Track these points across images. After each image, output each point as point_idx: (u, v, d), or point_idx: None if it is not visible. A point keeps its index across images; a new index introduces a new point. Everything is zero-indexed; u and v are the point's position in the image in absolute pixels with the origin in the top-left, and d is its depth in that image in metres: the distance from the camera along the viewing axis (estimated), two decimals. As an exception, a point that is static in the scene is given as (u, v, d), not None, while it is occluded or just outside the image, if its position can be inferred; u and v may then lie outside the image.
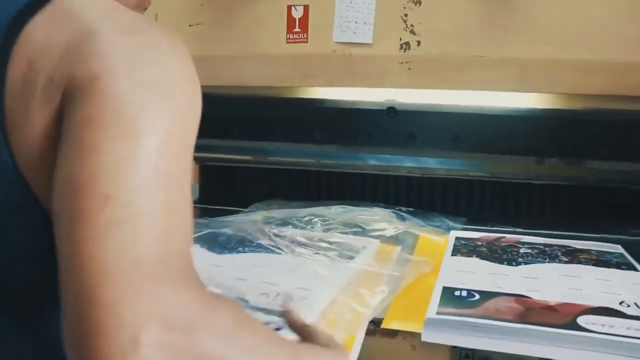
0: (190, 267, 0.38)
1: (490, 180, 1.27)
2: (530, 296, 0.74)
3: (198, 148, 1.33)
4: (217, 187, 1.49)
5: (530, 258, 0.92)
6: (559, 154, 1.17)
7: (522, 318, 0.67)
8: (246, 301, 0.73)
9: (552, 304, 0.72)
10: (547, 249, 0.97)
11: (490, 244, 1.01)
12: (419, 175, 1.31)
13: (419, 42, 1.12)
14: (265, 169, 1.42)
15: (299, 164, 1.36)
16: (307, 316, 0.63)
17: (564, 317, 0.68)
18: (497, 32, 1.08)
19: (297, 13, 1.17)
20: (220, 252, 0.91)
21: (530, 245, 1.00)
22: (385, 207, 1.25)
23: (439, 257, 0.94)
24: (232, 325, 0.36)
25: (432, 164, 1.27)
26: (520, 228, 1.16)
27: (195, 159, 1.44)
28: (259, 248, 0.94)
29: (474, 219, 1.22)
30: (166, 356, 0.31)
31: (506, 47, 1.08)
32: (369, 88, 1.20)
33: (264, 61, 1.22)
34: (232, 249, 0.93)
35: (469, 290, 0.76)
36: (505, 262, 0.89)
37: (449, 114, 1.20)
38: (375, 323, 0.73)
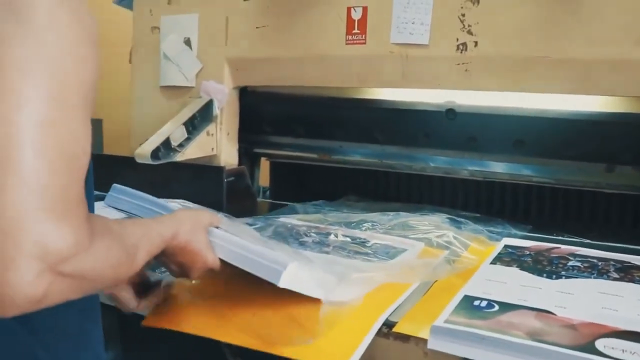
0: (72, 203, 0.43)
1: (555, 187, 1.20)
2: (555, 312, 0.71)
3: (267, 145, 1.40)
4: (286, 184, 1.55)
5: (575, 272, 0.87)
6: (632, 161, 1.09)
7: (535, 335, 0.65)
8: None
9: (574, 322, 0.68)
10: (600, 263, 0.91)
11: (538, 253, 0.96)
12: (481, 179, 1.27)
13: (476, 43, 1.08)
14: (331, 167, 1.45)
15: (362, 163, 1.38)
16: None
17: (582, 337, 0.64)
18: (558, 31, 1.02)
19: (356, 14, 1.19)
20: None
21: (583, 258, 0.94)
22: (445, 211, 1.23)
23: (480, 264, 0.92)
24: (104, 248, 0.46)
25: (495, 167, 1.24)
26: (582, 238, 1.10)
27: (265, 155, 1.53)
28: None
29: (535, 227, 1.17)
30: (42, 281, 0.40)
31: (568, 47, 1.01)
32: (426, 90, 1.19)
33: (324, 62, 1.24)
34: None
35: (489, 301, 0.74)
36: (544, 275, 0.85)
37: (510, 117, 1.15)
38: (389, 326, 0.74)
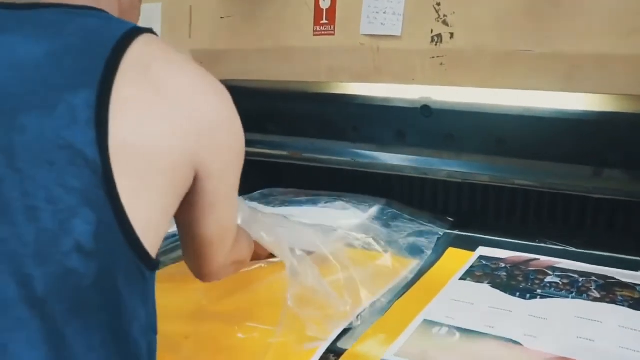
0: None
1: (539, 190, 1.11)
2: (523, 343, 0.63)
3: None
4: (256, 183, 1.46)
5: (552, 290, 0.79)
6: (621, 164, 1.00)
7: (496, 372, 0.57)
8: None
9: (544, 357, 0.60)
10: (581, 279, 0.83)
11: (514, 267, 0.88)
12: (460, 181, 1.19)
13: (452, 35, 0.99)
14: (303, 166, 1.37)
15: (334, 162, 1.30)
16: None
17: (550, 376, 0.56)
18: (542, 23, 0.92)
19: (325, 3, 1.10)
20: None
21: (563, 272, 0.85)
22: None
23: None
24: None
25: (474, 168, 1.15)
26: (566, 246, 1.01)
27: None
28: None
29: (514, 232, 1.08)
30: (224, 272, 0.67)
31: (553, 41, 0.92)
32: (398, 84, 1.10)
33: (291, 55, 1.16)
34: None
35: (450, 327, 0.66)
36: (518, 294, 0.77)
37: (490, 115, 1.06)
38: (337, 354, 0.65)
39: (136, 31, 0.50)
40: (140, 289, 0.48)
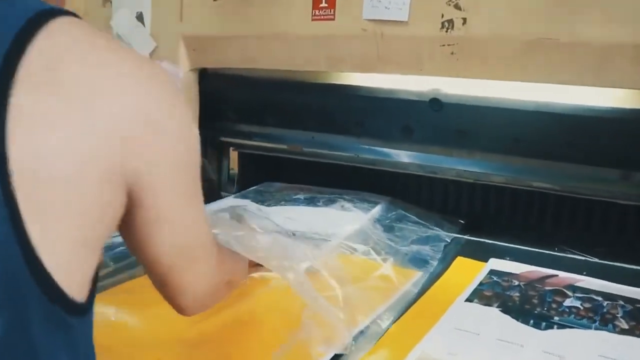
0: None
1: (559, 194, 1.01)
2: (535, 391, 0.53)
3: (233, 134, 1.22)
4: (256, 177, 1.37)
5: (572, 317, 0.69)
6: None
7: None
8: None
9: (560, 410, 0.50)
10: (605, 303, 0.73)
11: (528, 285, 0.78)
12: (471, 181, 1.08)
13: (464, 20, 0.88)
14: (303, 160, 1.27)
15: (336, 157, 1.20)
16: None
17: None
18: (568, 7, 0.81)
19: (324, -16, 0.99)
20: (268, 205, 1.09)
21: (584, 293, 0.75)
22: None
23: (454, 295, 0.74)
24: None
25: (488, 168, 1.04)
26: (588, 256, 0.91)
27: (232, 144, 1.36)
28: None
29: (535, 240, 0.98)
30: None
31: (580, 28, 0.81)
32: (404, 75, 1.00)
33: (288, 42, 1.06)
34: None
35: (450, 368, 0.57)
36: (532, 321, 0.67)
37: (507, 110, 0.95)
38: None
39: (47, 14, 0.39)
40: (62, 339, 0.40)
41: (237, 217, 0.84)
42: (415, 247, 0.93)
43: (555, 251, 0.96)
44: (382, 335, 0.67)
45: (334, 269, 0.79)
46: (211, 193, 1.26)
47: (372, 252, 0.88)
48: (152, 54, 1.20)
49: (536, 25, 0.84)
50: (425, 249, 0.93)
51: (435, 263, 0.90)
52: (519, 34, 0.86)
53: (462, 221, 1.09)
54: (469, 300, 0.73)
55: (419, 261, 0.89)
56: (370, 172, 1.18)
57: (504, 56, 0.88)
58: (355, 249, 0.87)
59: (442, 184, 1.14)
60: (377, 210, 1.08)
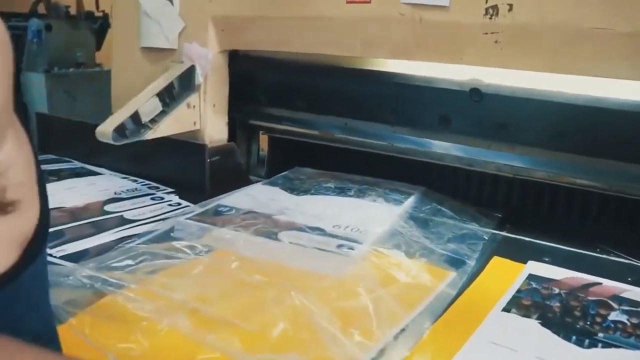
0: None
1: (605, 193, 0.95)
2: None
3: (263, 117, 1.20)
4: (285, 162, 1.34)
5: (618, 334, 0.64)
6: None
7: None
8: (323, 230, 0.87)
9: None
10: (654, 317, 0.68)
11: (570, 294, 0.74)
12: (511, 175, 1.03)
13: (510, 6, 0.82)
14: (334, 147, 1.23)
15: (369, 145, 1.16)
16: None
17: None
18: (626, -7, 0.75)
19: (361, -36, 0.94)
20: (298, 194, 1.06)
21: (631, 306, 0.71)
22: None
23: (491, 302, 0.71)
24: None
25: (529, 163, 0.99)
26: (633, 259, 0.86)
27: (262, 128, 1.33)
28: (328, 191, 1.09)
29: (570, 238, 0.93)
30: None
31: (638, 17, 0.74)
32: (443, 63, 0.94)
33: (320, 24, 1.01)
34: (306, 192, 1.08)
35: (486, 391, 0.53)
36: (574, 338, 0.63)
37: (552, 104, 0.90)
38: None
39: None
40: None
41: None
42: (451, 246, 0.89)
43: (597, 252, 0.92)
44: (412, 347, 0.64)
45: (361, 276, 0.76)
46: (240, 176, 1.24)
47: (404, 254, 0.84)
48: (180, 34, 1.17)
49: (589, 14, 0.78)
50: (463, 248, 0.89)
51: (472, 263, 0.86)
52: (570, 23, 0.80)
53: (499, 215, 1.04)
54: (506, 309, 0.70)
55: (455, 261, 0.85)
56: (404, 162, 1.14)
57: (552, 46, 0.82)
58: (386, 254, 0.83)
59: (479, 178, 1.10)
60: (410, 202, 1.04)
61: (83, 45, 2.54)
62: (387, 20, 0.93)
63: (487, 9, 0.84)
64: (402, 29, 0.92)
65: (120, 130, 1.03)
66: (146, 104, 1.07)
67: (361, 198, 1.06)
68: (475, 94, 0.95)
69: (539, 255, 0.87)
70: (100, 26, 2.63)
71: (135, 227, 0.95)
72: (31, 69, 2.41)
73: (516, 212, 1.05)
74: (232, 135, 1.26)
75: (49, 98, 2.39)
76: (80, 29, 2.52)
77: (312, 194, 1.08)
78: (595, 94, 0.85)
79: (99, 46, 2.67)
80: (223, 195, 1.05)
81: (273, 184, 1.14)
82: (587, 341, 0.63)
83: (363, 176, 1.17)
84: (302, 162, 1.29)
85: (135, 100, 1.08)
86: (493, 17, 0.84)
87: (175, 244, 0.84)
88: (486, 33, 0.85)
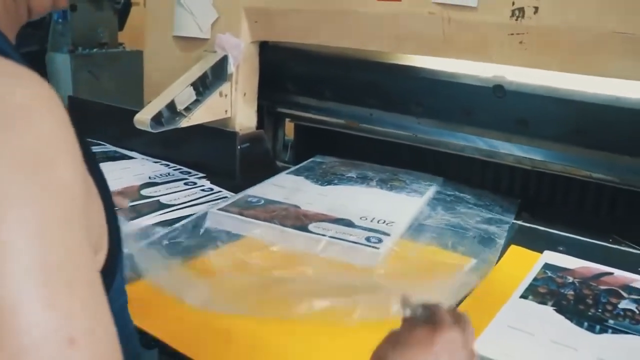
0: None
1: (618, 186, 1.00)
2: (588, 398, 0.56)
3: (291, 105, 1.25)
4: (310, 150, 1.39)
5: (627, 322, 0.70)
6: None
7: None
8: (351, 221, 0.92)
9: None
10: (661, 307, 0.73)
11: (583, 283, 0.79)
12: (529, 168, 1.08)
13: (536, 9, 0.86)
14: (360, 136, 1.28)
15: (394, 135, 1.21)
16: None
17: None
18: (648, 1, 0.78)
19: (392, -36, 0.98)
20: (322, 184, 1.12)
21: (640, 295, 0.76)
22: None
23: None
24: None
25: (546, 156, 1.04)
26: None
27: (289, 116, 1.38)
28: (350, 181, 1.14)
29: (583, 229, 0.99)
30: None
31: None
32: (469, 61, 0.99)
33: (351, 19, 1.05)
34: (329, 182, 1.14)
35: (506, 370, 0.59)
36: (586, 324, 0.69)
37: (572, 102, 0.94)
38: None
39: None
40: None
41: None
42: (482, 226, 0.95)
43: (609, 242, 0.97)
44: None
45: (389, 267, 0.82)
46: (267, 162, 1.29)
47: (434, 244, 0.90)
48: (213, 24, 1.22)
49: (611, 18, 0.82)
50: (492, 229, 0.95)
51: (502, 242, 0.91)
52: (593, 26, 0.84)
53: (518, 200, 1.09)
54: (523, 296, 0.75)
55: (485, 240, 0.91)
56: (424, 152, 1.19)
57: (575, 48, 0.86)
58: (412, 245, 0.89)
59: (497, 169, 1.14)
60: (432, 192, 1.10)
61: (106, 26, 2.59)
62: (417, 18, 0.97)
63: (513, 11, 0.88)
64: (431, 27, 0.96)
65: (157, 118, 1.08)
66: (181, 93, 1.13)
67: (383, 188, 1.11)
68: (499, 91, 0.99)
69: (554, 244, 0.93)
70: (123, 6, 2.68)
71: (171, 212, 1.00)
72: (55, 49, 2.46)
73: (533, 203, 1.10)
74: (259, 122, 1.31)
75: (74, 78, 2.44)
76: (104, 9, 2.57)
77: (335, 184, 1.13)
78: (612, 93, 0.89)
79: (121, 26, 2.72)
80: (251, 187, 1.10)
81: (298, 173, 1.19)
82: (598, 327, 0.69)
83: (383, 165, 1.23)
84: (326, 149, 1.34)
85: (170, 89, 1.13)
86: (519, 19, 0.88)
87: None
88: (512, 34, 0.89)
